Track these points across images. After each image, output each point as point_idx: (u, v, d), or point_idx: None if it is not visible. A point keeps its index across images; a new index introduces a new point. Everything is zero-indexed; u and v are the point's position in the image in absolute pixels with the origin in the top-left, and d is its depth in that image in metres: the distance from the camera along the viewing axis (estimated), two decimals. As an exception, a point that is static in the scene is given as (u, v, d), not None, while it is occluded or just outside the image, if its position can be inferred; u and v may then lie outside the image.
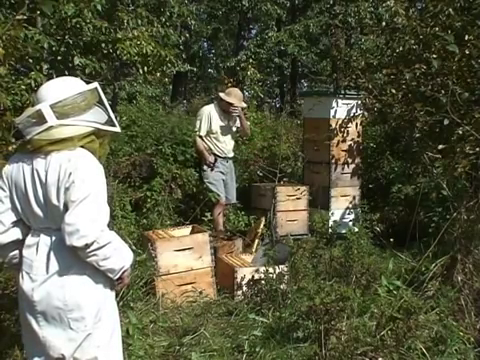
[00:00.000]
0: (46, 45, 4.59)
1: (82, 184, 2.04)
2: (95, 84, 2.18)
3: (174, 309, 4.09)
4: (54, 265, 2.08)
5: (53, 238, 2.10)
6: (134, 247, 4.28)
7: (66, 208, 2.04)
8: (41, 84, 4.27)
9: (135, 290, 3.64)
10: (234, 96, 5.64)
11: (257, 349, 3.31)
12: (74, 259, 2.08)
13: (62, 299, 2.07)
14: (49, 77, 4.18)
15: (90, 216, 2.02)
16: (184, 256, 4.33)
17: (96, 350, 2.16)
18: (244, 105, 5.87)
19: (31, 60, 4.37)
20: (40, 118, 2.05)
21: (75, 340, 2.11)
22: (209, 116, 5.60)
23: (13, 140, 3.22)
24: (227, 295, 4.37)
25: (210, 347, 3.41)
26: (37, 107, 2.06)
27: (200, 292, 4.19)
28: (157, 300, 4.01)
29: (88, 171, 2.08)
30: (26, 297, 2.11)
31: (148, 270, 4.00)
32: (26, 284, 2.12)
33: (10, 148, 3.18)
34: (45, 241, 2.11)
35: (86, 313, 2.11)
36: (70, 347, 2.11)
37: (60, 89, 2.11)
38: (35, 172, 2.07)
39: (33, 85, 4.15)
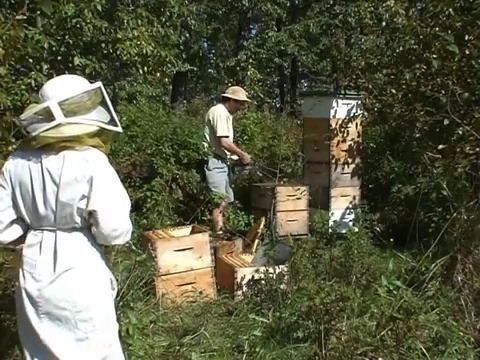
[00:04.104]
0: (46, 45, 4.60)
1: (112, 187, 2.09)
2: (99, 83, 2.16)
3: (174, 309, 4.09)
4: (60, 265, 2.07)
5: (58, 237, 2.09)
6: (134, 247, 4.28)
7: (89, 209, 2.06)
8: (41, 84, 4.28)
9: (135, 290, 3.64)
10: (242, 93, 5.72)
11: (257, 349, 3.31)
12: (80, 259, 2.09)
13: (71, 300, 2.06)
14: (49, 77, 4.18)
15: (126, 217, 2.13)
16: (184, 256, 4.33)
17: (104, 349, 2.16)
18: (249, 100, 6.00)
19: (31, 60, 4.37)
20: (48, 115, 2.02)
21: (83, 340, 2.10)
22: (227, 117, 5.60)
23: (13, 140, 3.21)
24: (227, 295, 4.37)
25: (210, 347, 3.41)
26: (45, 104, 2.03)
27: (200, 292, 4.18)
28: (157, 300, 4.00)
29: (111, 173, 2.11)
30: (29, 297, 2.08)
31: (148, 270, 3.99)
32: (29, 284, 2.09)
33: (10, 148, 3.17)
34: (49, 240, 2.09)
35: (94, 313, 2.11)
36: (76, 348, 2.09)
37: (67, 87, 2.09)
38: (46, 171, 2.04)
39: (33, 85, 4.15)
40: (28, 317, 2.10)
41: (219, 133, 5.53)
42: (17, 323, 2.22)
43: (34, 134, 2.03)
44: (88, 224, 2.13)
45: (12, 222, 2.13)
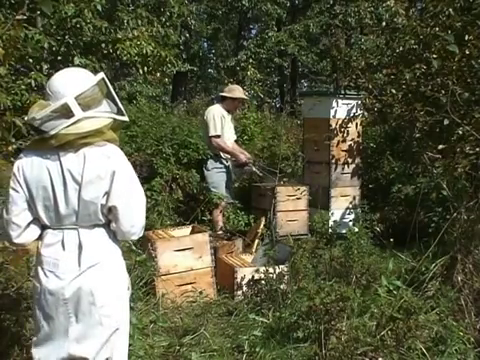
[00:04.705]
0: (46, 45, 4.61)
1: (132, 183, 2.10)
2: (102, 74, 2.11)
3: (174, 309, 4.09)
4: (86, 261, 2.05)
5: (81, 234, 2.07)
6: (134, 247, 4.29)
7: (109, 205, 2.05)
8: (41, 84, 4.30)
9: (135, 290, 3.64)
10: (239, 91, 5.69)
11: (257, 349, 3.31)
12: (105, 254, 2.09)
13: (96, 295, 2.05)
14: (49, 77, 4.20)
15: (144, 212, 2.17)
16: (184, 256, 4.33)
17: (120, 344, 2.17)
18: (246, 98, 5.87)
19: (31, 60, 4.38)
20: (66, 111, 1.97)
21: (103, 336, 2.09)
22: (222, 117, 5.53)
23: (13, 140, 3.21)
24: (227, 295, 4.37)
25: (210, 347, 3.41)
26: (63, 100, 1.97)
27: (200, 292, 4.18)
28: (157, 300, 4.00)
29: (130, 168, 2.12)
30: (53, 296, 2.05)
31: (148, 270, 4.00)
32: (53, 283, 2.05)
33: (10, 148, 3.18)
34: (72, 238, 2.06)
35: (116, 309, 2.12)
36: (97, 344, 2.09)
37: (79, 80, 2.04)
38: (66, 171, 2.00)
39: (33, 85, 4.16)
40: (52, 316, 2.06)
41: (210, 133, 5.50)
42: (35, 322, 2.16)
43: (53, 132, 1.97)
44: (108, 220, 2.12)
45: (29, 224, 2.08)
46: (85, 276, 2.04)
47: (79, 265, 2.04)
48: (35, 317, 2.13)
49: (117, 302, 2.13)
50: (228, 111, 5.63)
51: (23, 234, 2.09)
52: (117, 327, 2.13)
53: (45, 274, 2.06)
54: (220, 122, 5.49)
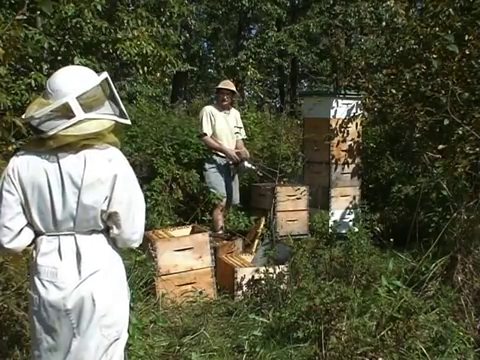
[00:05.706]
0: (46, 45, 4.61)
1: (133, 188, 2.02)
2: (105, 74, 2.02)
3: (174, 309, 4.09)
4: (86, 268, 1.95)
5: (79, 240, 1.97)
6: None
7: (110, 211, 1.96)
8: (41, 84, 4.30)
9: (135, 290, 3.64)
10: (222, 83, 5.75)
11: (257, 349, 3.31)
12: (105, 261, 2.00)
13: (97, 304, 1.95)
14: (49, 77, 4.20)
15: (144, 219, 2.09)
16: (184, 256, 4.33)
17: (118, 352, 2.10)
18: (233, 88, 5.73)
19: (31, 60, 4.38)
20: (67, 111, 1.88)
21: (104, 346, 2.01)
22: (210, 114, 5.53)
23: (13, 140, 3.21)
24: (227, 295, 4.37)
25: (210, 347, 3.41)
26: (64, 100, 1.88)
27: (200, 292, 4.18)
28: (157, 300, 4.01)
29: (131, 173, 2.03)
30: (55, 308, 1.94)
31: (148, 270, 4.00)
32: (53, 294, 1.93)
33: (10, 148, 3.17)
34: (69, 245, 1.96)
35: (118, 319, 2.04)
36: (97, 354, 1.99)
37: (81, 80, 1.94)
38: (65, 173, 1.91)
39: (33, 85, 4.16)
40: (55, 328, 1.96)
41: (199, 132, 5.58)
42: (33, 336, 2.04)
43: (52, 133, 1.87)
44: (107, 226, 2.03)
45: (22, 229, 1.96)
46: (87, 284, 1.94)
47: (79, 273, 1.94)
48: (34, 331, 2.01)
49: (119, 311, 2.05)
50: (223, 109, 5.61)
51: (15, 239, 1.96)
52: (117, 337, 2.05)
53: (43, 285, 1.94)
54: (207, 121, 5.50)
